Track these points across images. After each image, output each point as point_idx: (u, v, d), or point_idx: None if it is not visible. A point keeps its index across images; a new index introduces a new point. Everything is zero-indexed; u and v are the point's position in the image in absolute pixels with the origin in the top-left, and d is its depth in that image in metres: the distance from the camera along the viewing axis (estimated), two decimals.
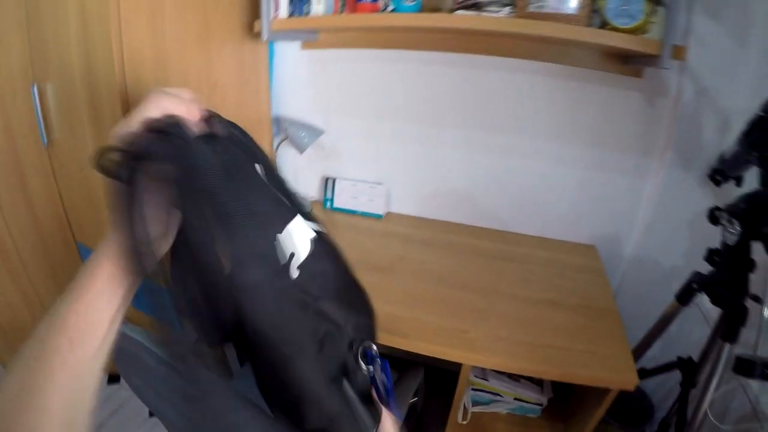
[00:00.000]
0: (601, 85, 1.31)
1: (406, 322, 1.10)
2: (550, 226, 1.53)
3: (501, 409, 1.36)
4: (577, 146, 1.40)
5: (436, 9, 1.26)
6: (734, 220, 0.99)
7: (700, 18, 1.19)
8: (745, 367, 0.98)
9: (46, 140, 1.28)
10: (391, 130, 1.56)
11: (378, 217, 1.65)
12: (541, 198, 1.51)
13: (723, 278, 1.05)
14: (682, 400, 1.20)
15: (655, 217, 1.42)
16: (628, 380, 1.00)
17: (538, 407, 1.33)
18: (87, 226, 1.41)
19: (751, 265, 1.01)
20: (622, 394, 1.02)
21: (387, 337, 1.06)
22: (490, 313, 1.16)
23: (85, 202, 1.33)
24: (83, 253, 1.48)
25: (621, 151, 1.37)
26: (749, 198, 0.97)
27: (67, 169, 1.31)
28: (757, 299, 0.99)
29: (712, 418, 1.10)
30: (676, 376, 1.22)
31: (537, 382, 1.34)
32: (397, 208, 1.70)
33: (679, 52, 1.07)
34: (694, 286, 1.11)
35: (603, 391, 1.05)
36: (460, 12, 1.15)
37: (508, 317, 1.15)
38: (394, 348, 1.04)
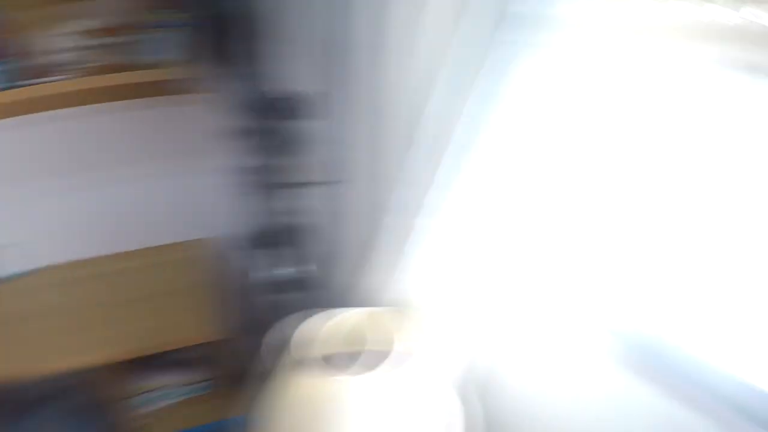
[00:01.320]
0: (165, 106, 1.55)
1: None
2: (160, 234, 1.69)
3: (173, 399, 1.53)
4: (160, 161, 1.64)
5: None
6: None
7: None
8: None
9: None
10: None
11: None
12: (144, 213, 1.68)
13: None
14: None
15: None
16: (210, 335, 1.32)
17: (204, 384, 1.54)
18: None
19: None
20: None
21: None
22: (93, 322, 1.33)
23: None
24: None
25: (195, 155, 1.62)
26: None
27: None
28: None
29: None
30: None
31: (185, 365, 1.53)
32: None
33: None
34: None
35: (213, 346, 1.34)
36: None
37: (110, 318, 1.34)
38: None
